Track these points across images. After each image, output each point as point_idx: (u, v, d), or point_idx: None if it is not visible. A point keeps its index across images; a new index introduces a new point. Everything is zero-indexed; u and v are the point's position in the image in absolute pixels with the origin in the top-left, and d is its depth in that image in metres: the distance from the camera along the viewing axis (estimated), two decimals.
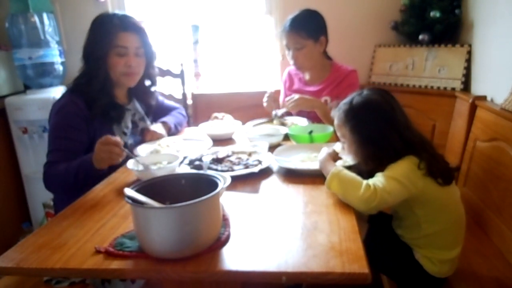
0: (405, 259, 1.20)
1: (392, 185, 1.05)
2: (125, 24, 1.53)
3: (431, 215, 1.14)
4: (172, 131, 1.79)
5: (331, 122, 1.85)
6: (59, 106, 1.48)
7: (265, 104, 1.97)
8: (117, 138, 1.26)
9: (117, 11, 1.59)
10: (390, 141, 1.11)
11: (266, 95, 1.95)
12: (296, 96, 1.82)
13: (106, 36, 1.49)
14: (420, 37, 2.16)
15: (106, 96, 1.53)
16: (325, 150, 1.25)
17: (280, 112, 1.93)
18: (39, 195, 2.42)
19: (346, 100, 1.20)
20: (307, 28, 1.85)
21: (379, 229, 1.32)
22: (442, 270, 1.17)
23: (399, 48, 2.34)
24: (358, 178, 1.07)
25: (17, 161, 2.47)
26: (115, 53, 1.51)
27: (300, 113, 1.94)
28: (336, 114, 1.21)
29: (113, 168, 1.37)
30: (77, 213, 1.08)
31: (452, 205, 1.17)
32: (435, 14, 2.08)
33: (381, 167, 1.12)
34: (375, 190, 1.03)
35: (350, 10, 2.41)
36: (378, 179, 1.07)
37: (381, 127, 1.12)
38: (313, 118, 1.89)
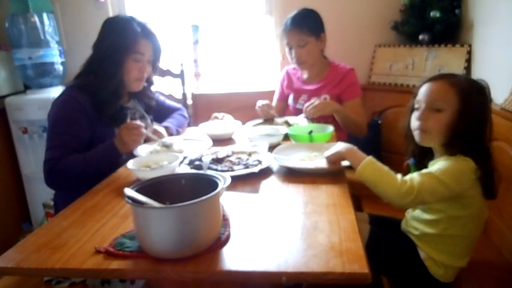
0: (408, 260, 1.19)
1: (432, 183, 1.05)
2: (146, 32, 1.57)
3: (459, 219, 1.12)
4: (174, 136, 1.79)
5: (349, 124, 1.86)
6: (60, 102, 1.48)
7: (260, 113, 1.96)
8: (138, 122, 1.42)
9: (134, 16, 1.59)
10: (475, 129, 1.08)
11: (258, 106, 1.93)
12: (316, 101, 1.76)
13: (128, 41, 1.51)
14: (420, 37, 2.16)
15: (117, 99, 1.56)
16: (341, 144, 1.22)
17: (302, 118, 1.86)
18: (39, 195, 2.42)
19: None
20: (309, 25, 1.88)
21: (381, 230, 1.31)
22: (447, 274, 1.16)
23: (399, 48, 2.34)
24: (392, 172, 1.08)
25: (17, 161, 2.47)
26: (132, 59, 1.54)
27: (300, 113, 1.94)
28: (444, 79, 1.12)
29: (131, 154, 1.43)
30: (77, 213, 1.08)
31: (479, 219, 1.16)
32: (435, 14, 2.08)
33: (448, 149, 1.10)
34: (412, 185, 1.04)
35: (350, 10, 2.41)
36: (415, 176, 1.07)
37: (483, 112, 1.09)
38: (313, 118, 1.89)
